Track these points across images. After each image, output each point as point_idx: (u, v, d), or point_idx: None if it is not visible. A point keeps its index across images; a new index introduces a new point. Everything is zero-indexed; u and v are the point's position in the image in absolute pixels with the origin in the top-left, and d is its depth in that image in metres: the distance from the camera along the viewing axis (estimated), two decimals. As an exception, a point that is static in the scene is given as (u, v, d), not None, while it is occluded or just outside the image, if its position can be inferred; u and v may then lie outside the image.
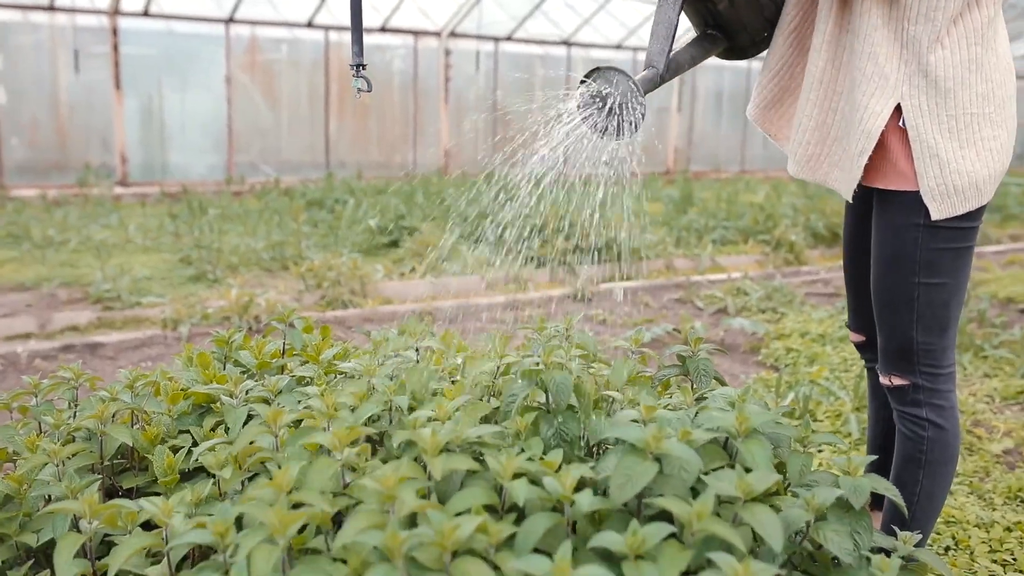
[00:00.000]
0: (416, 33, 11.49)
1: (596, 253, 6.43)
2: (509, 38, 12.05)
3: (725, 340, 4.69)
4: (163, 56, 10.03)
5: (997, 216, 9.63)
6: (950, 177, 1.75)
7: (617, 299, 5.56)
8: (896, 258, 1.87)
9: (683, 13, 1.95)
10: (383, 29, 11.15)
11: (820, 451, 3.18)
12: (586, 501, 1.16)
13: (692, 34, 2.06)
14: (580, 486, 1.21)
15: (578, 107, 1.83)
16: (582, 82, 1.83)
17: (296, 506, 1.20)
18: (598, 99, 1.81)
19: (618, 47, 13.01)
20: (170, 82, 10.11)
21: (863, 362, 2.62)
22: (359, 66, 2.00)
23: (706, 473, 1.26)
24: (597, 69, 1.80)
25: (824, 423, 3.45)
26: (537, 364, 1.58)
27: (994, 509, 2.77)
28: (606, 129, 1.81)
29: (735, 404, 1.55)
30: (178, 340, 4.33)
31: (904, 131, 1.77)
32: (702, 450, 1.32)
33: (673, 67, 1.90)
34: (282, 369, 2.09)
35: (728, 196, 8.49)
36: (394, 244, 6.67)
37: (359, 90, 2.00)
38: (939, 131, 1.74)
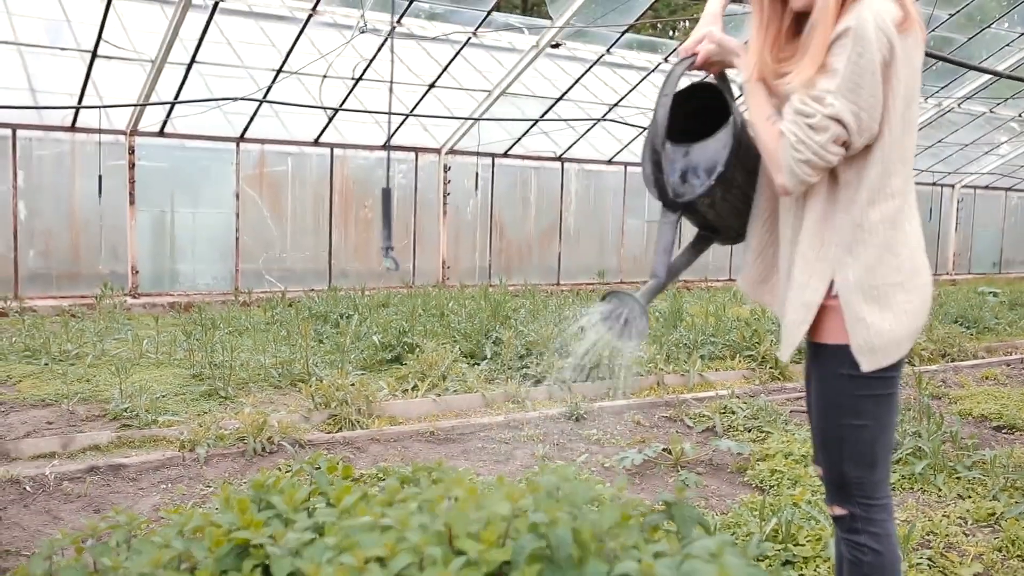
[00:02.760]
0: (417, 150, 12.01)
1: (591, 371, 6.72)
2: (506, 154, 12.57)
3: (713, 460, 4.93)
4: (175, 171, 10.50)
5: (973, 329, 9.94)
6: (874, 337, 2.11)
7: (610, 419, 5.81)
8: (828, 403, 2.23)
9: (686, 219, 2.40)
10: (385, 146, 11.65)
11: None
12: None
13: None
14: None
15: (598, 320, 2.22)
16: (601, 300, 2.26)
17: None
18: (613, 315, 2.22)
19: (609, 162, 13.54)
20: (181, 196, 10.54)
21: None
22: (389, 248, 2.32)
23: None
24: (612, 293, 2.25)
25: (805, 547, 3.65)
26: (540, 520, 1.83)
27: (960, 633, 2.99)
28: (620, 335, 2.20)
29: (715, 554, 1.77)
30: (196, 462, 4.57)
31: (836, 298, 2.14)
32: None
33: (673, 273, 2.36)
34: (309, 513, 2.33)
35: (716, 310, 8.82)
36: (397, 360, 6.95)
37: (388, 268, 2.32)
38: (863, 300, 2.11)
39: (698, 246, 2.47)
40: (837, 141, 2.02)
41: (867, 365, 2.11)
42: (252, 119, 10.49)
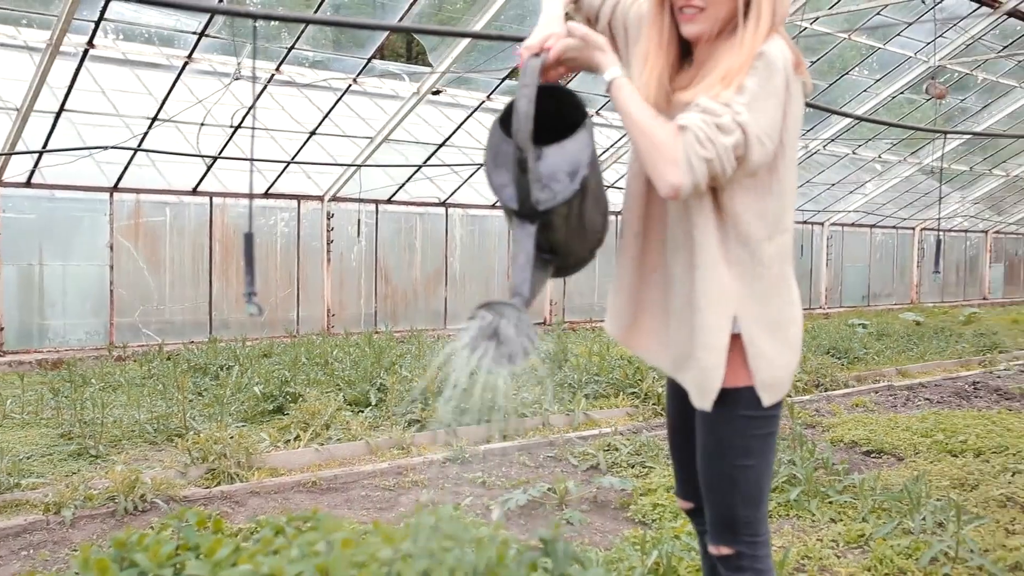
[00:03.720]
0: (300, 197, 11.90)
1: (477, 415, 6.72)
2: (390, 200, 12.57)
3: (598, 497, 4.99)
4: (44, 222, 10.09)
5: (844, 359, 10.39)
6: (776, 371, 2.13)
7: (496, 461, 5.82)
8: (722, 446, 2.20)
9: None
10: (267, 194, 11.51)
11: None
12: None
13: None
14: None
15: (471, 342, 1.90)
16: (471, 318, 1.93)
17: None
18: (489, 332, 1.91)
19: (494, 206, 13.69)
20: (51, 248, 10.14)
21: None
22: (251, 294, 2.28)
23: None
24: (484, 304, 1.94)
25: (685, 578, 3.73)
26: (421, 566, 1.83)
27: (832, 653, 3.08)
28: (501, 358, 1.88)
29: None
30: (61, 525, 4.36)
31: (735, 336, 2.12)
32: None
33: (534, 292, 2.07)
34: (176, 569, 2.25)
35: (600, 350, 8.97)
36: (279, 411, 6.81)
37: (251, 315, 2.28)
38: (765, 335, 2.12)
39: (540, 269, 2.15)
40: (737, 151, 1.93)
41: (768, 400, 2.11)
42: (127, 168, 10.21)
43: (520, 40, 2.07)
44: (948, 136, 9.64)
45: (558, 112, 2.10)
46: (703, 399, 2.14)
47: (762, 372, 2.11)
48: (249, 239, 2.30)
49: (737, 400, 2.13)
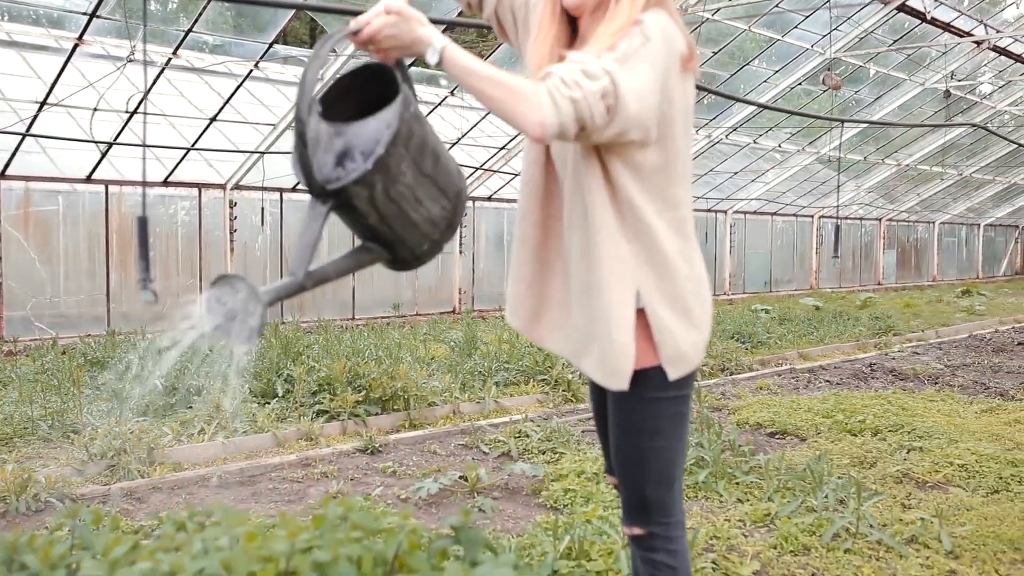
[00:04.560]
0: (200, 185, 11.56)
1: (385, 404, 6.65)
2: (295, 188, 12.33)
3: (509, 484, 4.98)
4: (-76, 212, 9.58)
5: (748, 343, 10.63)
6: (680, 346, 2.11)
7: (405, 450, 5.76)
8: (631, 427, 2.20)
9: (344, 222, 2.04)
10: (167, 182, 11.15)
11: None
12: None
13: None
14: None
15: (202, 311, 1.81)
16: (210, 285, 1.83)
17: None
18: (219, 304, 1.80)
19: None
20: (-68, 240, 9.63)
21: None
22: (146, 279, 2.19)
23: None
24: (223, 276, 1.82)
25: (598, 562, 3.73)
26: (323, 559, 1.77)
27: (741, 629, 3.14)
28: (224, 331, 1.79)
29: None
30: (-52, 528, 4.14)
31: (639, 313, 2.10)
32: None
33: (318, 276, 1.96)
34: (71, 570, 2.15)
35: (510, 338, 8.98)
36: (182, 403, 6.61)
37: (147, 301, 2.19)
38: (667, 309, 2.11)
39: (359, 255, 2.06)
40: (606, 100, 1.86)
41: (674, 373, 2.10)
42: (14, 155, 9.74)
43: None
44: (845, 125, 9.94)
45: (385, 96, 1.97)
46: (617, 379, 2.11)
47: (667, 347, 2.10)
48: (143, 223, 2.20)
49: (646, 381, 2.12)
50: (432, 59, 1.92)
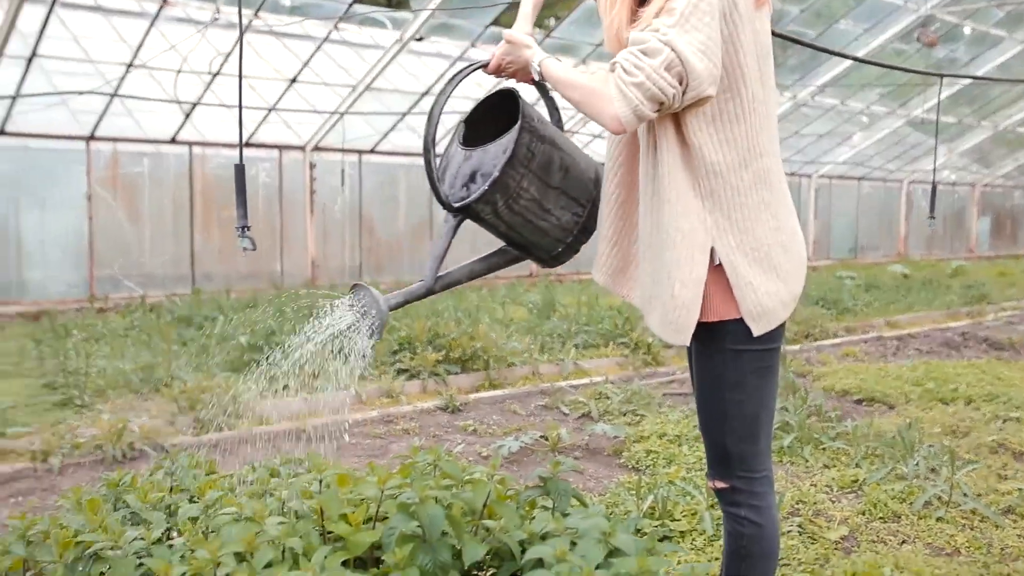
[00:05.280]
0: (281, 147, 11.70)
1: (465, 364, 6.66)
2: (373, 151, 12.39)
3: (590, 444, 4.94)
4: (19, 173, 9.88)
5: (833, 310, 10.38)
6: (764, 299, 2.07)
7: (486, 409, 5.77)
8: (711, 379, 2.19)
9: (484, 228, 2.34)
10: (248, 144, 11.30)
11: (675, 552, 3.42)
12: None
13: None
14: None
15: (339, 313, 2.25)
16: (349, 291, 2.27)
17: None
18: (353, 307, 2.23)
19: (480, 157, 13.53)
20: (27, 200, 9.93)
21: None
22: (244, 227, 2.22)
23: None
24: (357, 285, 2.26)
25: (681, 522, 3.70)
26: (411, 500, 1.76)
27: (832, 594, 3.06)
28: (357, 330, 2.20)
29: (607, 533, 1.73)
30: (49, 472, 4.28)
31: (718, 269, 2.07)
32: None
33: (446, 281, 2.32)
34: (170, 510, 2.19)
35: (588, 300, 8.91)
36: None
37: (244, 248, 2.22)
38: (748, 263, 2.07)
39: (493, 259, 2.38)
40: (671, 70, 1.88)
41: (758, 330, 2.08)
42: (103, 116, 9.98)
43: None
44: (939, 87, 9.51)
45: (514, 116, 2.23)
46: (678, 335, 2.11)
47: (747, 302, 2.07)
48: (240, 170, 2.24)
49: (724, 333, 2.11)
50: (536, 76, 2.18)
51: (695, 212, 2.06)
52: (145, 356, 6.59)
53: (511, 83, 2.34)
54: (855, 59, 5.36)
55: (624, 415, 5.52)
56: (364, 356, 2.19)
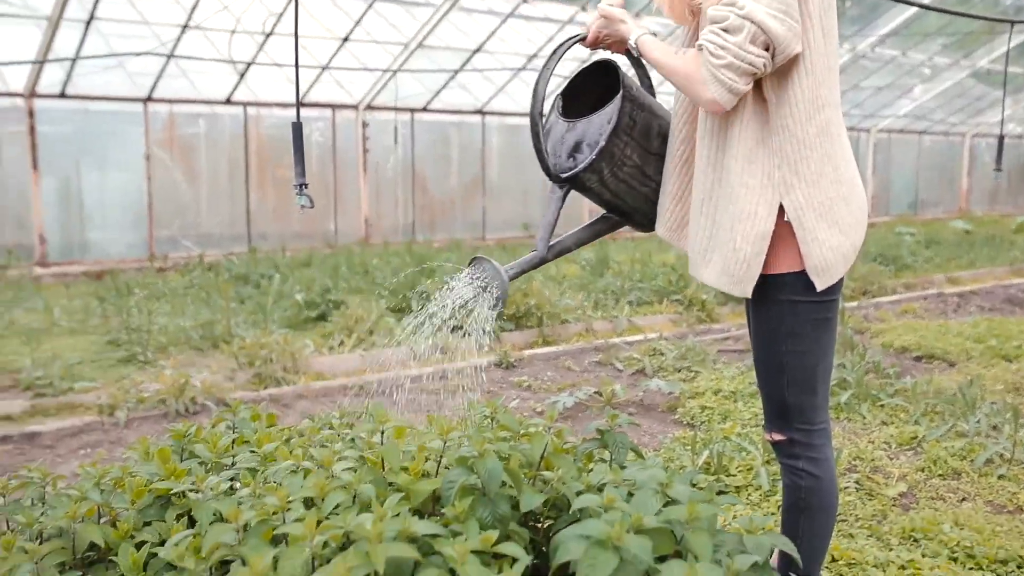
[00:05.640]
0: (334, 106, 11.75)
1: (519, 320, 6.69)
2: (425, 109, 12.39)
3: (644, 400, 4.95)
4: (80, 135, 10.07)
5: (892, 267, 10.19)
6: (828, 254, 2.07)
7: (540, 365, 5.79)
8: (769, 331, 2.19)
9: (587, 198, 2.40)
10: (301, 103, 11.35)
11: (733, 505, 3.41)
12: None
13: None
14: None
15: (462, 283, 2.38)
16: (468, 264, 2.38)
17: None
18: (476, 281, 2.35)
19: (531, 114, 13.44)
20: (88, 161, 10.13)
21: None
22: (302, 185, 2.23)
23: (659, 559, 1.44)
24: (477, 258, 2.35)
25: (737, 477, 3.70)
26: (469, 454, 1.78)
27: (890, 549, 3.03)
28: (477, 301, 2.33)
29: (664, 484, 1.73)
30: (116, 426, 4.40)
31: (786, 224, 2.07)
32: (653, 535, 1.49)
33: (559, 249, 2.40)
34: (234, 461, 2.24)
35: (642, 257, 8.87)
36: (322, 318, 6.81)
37: (302, 207, 2.24)
38: (814, 217, 2.06)
39: (598, 226, 2.45)
40: (756, 42, 1.93)
41: (821, 284, 2.08)
42: (159, 78, 10.11)
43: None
44: (1009, 34, 9.18)
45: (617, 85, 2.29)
46: (739, 287, 2.13)
47: (813, 256, 2.07)
48: (298, 128, 2.26)
49: (783, 285, 2.12)
50: (634, 53, 2.25)
51: (762, 167, 2.07)
52: (204, 313, 6.72)
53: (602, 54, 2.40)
54: (920, 5, 5.19)
55: (678, 371, 5.51)
56: (487, 328, 2.30)
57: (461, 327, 2.30)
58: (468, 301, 2.30)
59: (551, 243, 2.35)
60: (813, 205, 2.06)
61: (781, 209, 2.07)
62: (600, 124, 2.22)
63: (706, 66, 1.96)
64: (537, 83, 2.21)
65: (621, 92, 2.21)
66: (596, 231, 2.45)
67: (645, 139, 2.27)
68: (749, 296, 2.15)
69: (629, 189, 2.30)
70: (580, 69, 2.38)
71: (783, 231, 2.09)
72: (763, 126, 2.07)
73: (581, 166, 2.22)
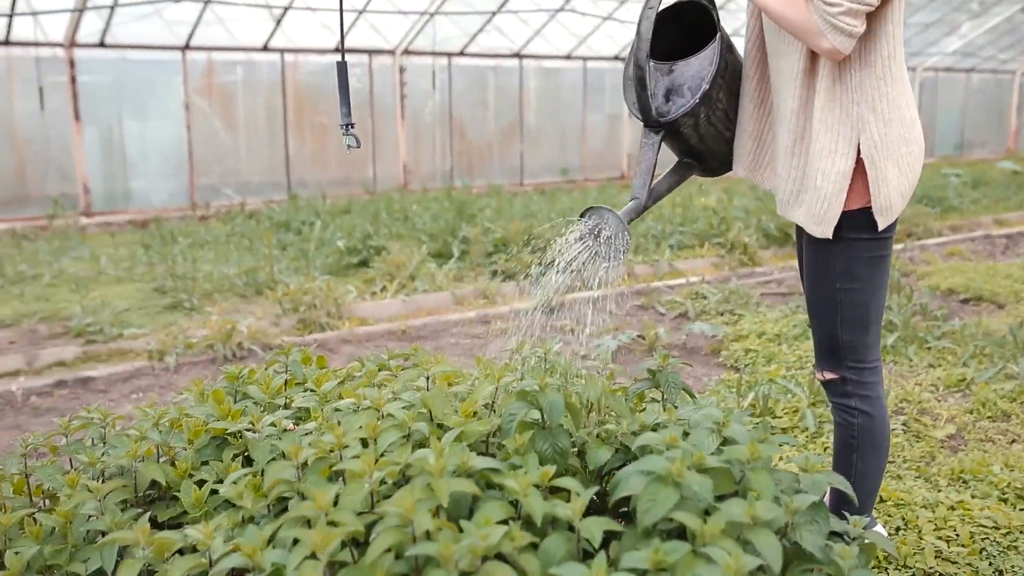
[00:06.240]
0: (370, 52, 11.67)
1: (571, 287, 6.67)
2: (462, 53, 12.27)
3: (687, 344, 4.94)
4: (120, 84, 10.11)
5: (937, 208, 10.00)
6: (892, 194, 2.08)
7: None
8: (823, 268, 2.18)
9: (665, 145, 2.35)
10: (337, 50, 11.30)
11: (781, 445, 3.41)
12: (597, 528, 1.37)
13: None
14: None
15: (578, 239, 2.26)
16: (580, 217, 2.25)
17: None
18: (593, 231, 2.23)
19: (568, 57, 13.28)
20: (128, 110, 10.18)
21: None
22: (348, 125, 2.22)
23: (719, 498, 1.45)
24: (592, 208, 2.23)
25: (783, 419, 3.69)
26: (530, 388, 1.79)
27: (939, 491, 3.02)
28: (602, 250, 2.25)
29: (720, 424, 1.73)
30: (166, 371, 4.48)
31: (857, 162, 2.06)
32: (713, 473, 1.49)
33: (654, 196, 2.32)
34: (288, 403, 2.27)
35: (682, 200, 8.78)
36: (363, 264, 6.85)
37: (349, 147, 2.22)
38: (885, 157, 2.06)
39: (680, 172, 2.41)
40: None
41: (883, 223, 2.09)
42: (196, 26, 10.09)
43: None
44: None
45: (703, 24, 2.27)
46: (822, 227, 2.12)
47: (880, 196, 2.07)
48: (342, 68, 2.24)
49: (846, 223, 2.11)
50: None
51: (840, 104, 2.06)
52: (248, 261, 6.78)
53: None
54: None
55: (721, 315, 5.48)
56: (614, 270, 2.29)
57: (601, 267, 2.27)
58: (593, 256, 2.26)
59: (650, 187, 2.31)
60: (887, 143, 2.06)
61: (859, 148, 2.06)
62: (699, 67, 2.19)
63: (821, 16, 1.94)
64: (640, 23, 2.12)
65: (719, 34, 2.19)
66: (681, 175, 2.42)
67: (733, 82, 2.26)
68: (830, 237, 2.12)
69: (717, 133, 2.30)
70: (665, 7, 2.32)
71: (856, 169, 2.08)
72: (845, 64, 2.05)
73: (684, 109, 2.18)
